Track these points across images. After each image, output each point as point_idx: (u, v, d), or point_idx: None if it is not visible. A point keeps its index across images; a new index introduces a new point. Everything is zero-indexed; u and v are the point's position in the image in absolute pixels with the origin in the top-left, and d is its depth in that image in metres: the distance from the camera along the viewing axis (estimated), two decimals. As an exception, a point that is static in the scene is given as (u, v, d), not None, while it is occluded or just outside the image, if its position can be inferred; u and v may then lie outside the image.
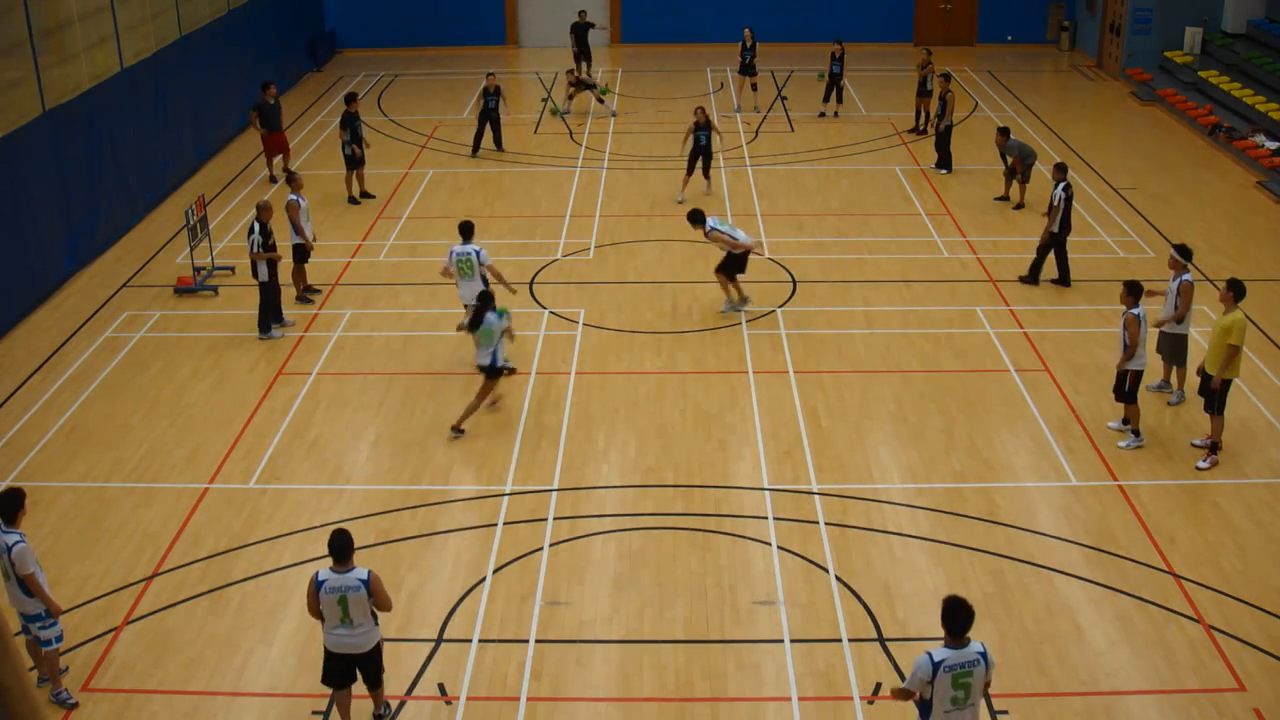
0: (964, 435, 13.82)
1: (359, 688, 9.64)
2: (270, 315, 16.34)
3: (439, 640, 10.66)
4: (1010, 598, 11.07)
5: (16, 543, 9.55)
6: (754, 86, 27.12)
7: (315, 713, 9.86)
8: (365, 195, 21.72)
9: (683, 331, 16.37)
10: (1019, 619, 10.80)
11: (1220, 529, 12.13)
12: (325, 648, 9.35)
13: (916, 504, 12.54)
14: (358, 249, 19.44)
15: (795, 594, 11.18)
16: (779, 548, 11.84)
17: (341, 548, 9.10)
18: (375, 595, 9.14)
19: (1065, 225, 17.33)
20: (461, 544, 12.01)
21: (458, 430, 13.82)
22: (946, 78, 23.28)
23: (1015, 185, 20.95)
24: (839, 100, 26.47)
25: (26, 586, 9.60)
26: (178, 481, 13.16)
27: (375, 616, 9.29)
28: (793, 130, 25.72)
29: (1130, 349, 13.15)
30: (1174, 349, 14.29)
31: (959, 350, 15.80)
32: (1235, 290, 13.06)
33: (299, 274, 17.42)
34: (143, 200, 21.08)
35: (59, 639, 9.87)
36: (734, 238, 16.31)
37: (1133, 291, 13.24)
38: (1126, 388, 13.36)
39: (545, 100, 27.88)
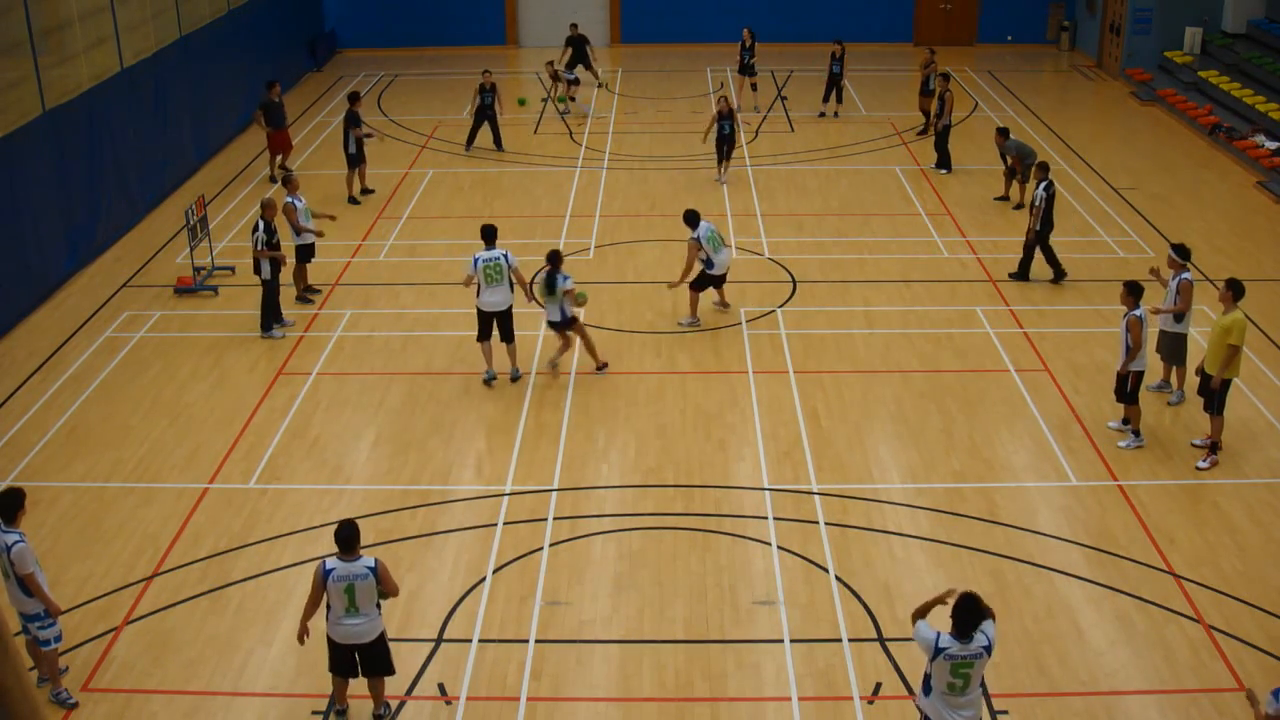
0: (964, 435, 13.82)
1: (359, 688, 9.66)
2: (271, 314, 16.36)
3: (439, 640, 10.66)
4: (1010, 598, 11.07)
5: (16, 542, 9.55)
6: (754, 87, 27.14)
7: (315, 713, 9.86)
8: (365, 191, 21.74)
9: (683, 331, 16.36)
10: (1019, 619, 10.80)
11: (1220, 529, 12.13)
12: (329, 638, 9.41)
13: (916, 504, 12.54)
14: (358, 249, 19.44)
15: (795, 594, 11.18)
16: (779, 548, 11.84)
17: (348, 538, 9.20)
18: (383, 582, 9.25)
19: (1048, 223, 17.49)
20: (461, 544, 12.01)
21: (602, 367, 15.16)
22: (945, 78, 23.29)
23: (1015, 185, 20.96)
24: (839, 100, 26.48)
25: (26, 586, 9.61)
26: (178, 481, 13.16)
27: (379, 607, 9.37)
28: (793, 130, 25.72)
29: (1133, 350, 13.15)
30: (1173, 349, 14.29)
31: (959, 350, 15.80)
32: (1234, 290, 13.06)
33: (299, 274, 17.43)
34: (143, 200, 21.08)
35: (58, 639, 9.88)
36: (709, 259, 15.98)
37: (1133, 292, 13.23)
38: (1128, 389, 13.37)
39: (545, 100, 27.85)
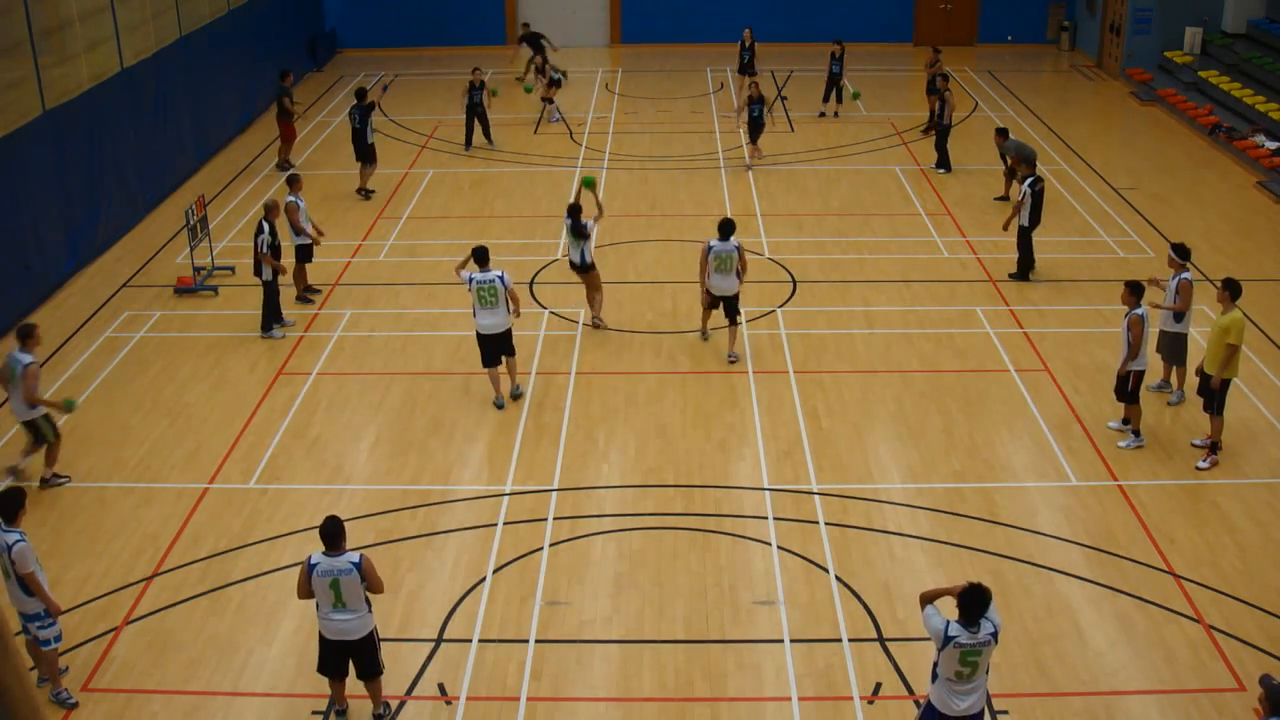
0: (964, 435, 13.82)
1: (359, 688, 9.66)
2: (271, 315, 16.36)
3: (439, 640, 10.66)
4: (1010, 598, 11.07)
5: (17, 542, 9.56)
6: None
7: (315, 713, 9.86)
8: (366, 192, 21.77)
9: (683, 331, 16.36)
10: (1019, 619, 10.80)
11: (1220, 529, 12.13)
12: (320, 634, 9.42)
13: (916, 504, 12.54)
14: (358, 249, 19.44)
15: (795, 594, 11.18)
16: (779, 548, 11.84)
17: (332, 534, 9.20)
18: (367, 578, 9.24)
19: (1035, 219, 17.65)
20: (461, 544, 12.01)
21: (598, 320, 16.21)
22: (945, 78, 23.30)
23: (1015, 185, 20.95)
24: (839, 100, 26.48)
25: (27, 586, 9.61)
26: (178, 481, 13.16)
27: (369, 603, 9.37)
28: (793, 130, 25.72)
29: (1134, 350, 13.15)
30: (1173, 349, 14.29)
31: (959, 350, 15.80)
32: (1231, 289, 13.07)
33: (300, 274, 17.44)
34: (143, 200, 21.08)
35: (58, 639, 9.88)
36: (704, 273, 15.28)
37: (1135, 292, 13.22)
38: (1129, 388, 13.37)
39: (547, 97, 27.85)
